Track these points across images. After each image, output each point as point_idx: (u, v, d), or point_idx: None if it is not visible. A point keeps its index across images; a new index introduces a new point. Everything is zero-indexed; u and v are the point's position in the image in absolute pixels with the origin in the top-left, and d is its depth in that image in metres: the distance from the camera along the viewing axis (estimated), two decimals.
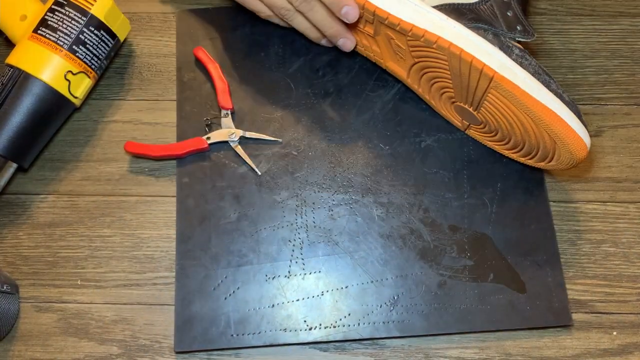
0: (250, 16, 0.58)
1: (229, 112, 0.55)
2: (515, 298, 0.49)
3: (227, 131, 0.54)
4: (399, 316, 0.49)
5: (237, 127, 0.54)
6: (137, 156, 0.54)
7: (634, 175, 0.53)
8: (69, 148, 0.55)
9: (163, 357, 0.49)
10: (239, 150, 0.54)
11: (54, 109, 0.52)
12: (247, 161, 0.53)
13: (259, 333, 0.48)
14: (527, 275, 0.50)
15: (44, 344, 0.49)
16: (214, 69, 0.56)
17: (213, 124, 0.55)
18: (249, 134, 0.54)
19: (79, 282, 0.51)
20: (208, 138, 0.54)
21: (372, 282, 0.50)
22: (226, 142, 0.54)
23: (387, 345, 0.49)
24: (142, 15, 0.59)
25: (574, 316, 0.49)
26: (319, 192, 0.52)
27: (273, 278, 0.50)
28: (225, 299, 0.49)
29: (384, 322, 0.49)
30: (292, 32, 0.57)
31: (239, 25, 0.59)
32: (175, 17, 0.59)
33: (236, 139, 0.54)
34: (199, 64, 0.57)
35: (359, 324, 0.49)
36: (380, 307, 0.49)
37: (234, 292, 0.50)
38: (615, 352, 0.48)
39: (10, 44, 0.54)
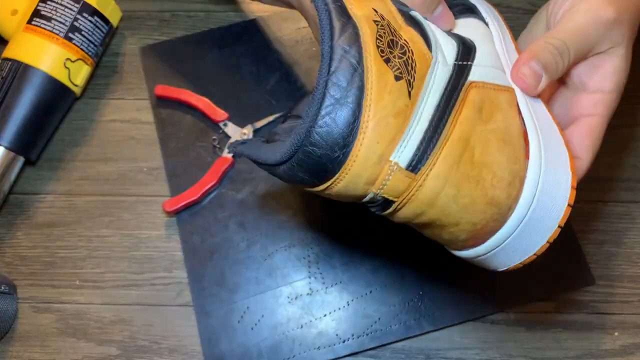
0: (217, 40, 0.57)
1: (226, 121, 0.54)
2: (536, 270, 0.48)
3: (238, 134, 0.53)
4: (429, 310, 0.48)
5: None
6: (179, 208, 0.51)
7: (635, 175, 0.53)
8: (67, 148, 0.55)
9: (162, 357, 0.48)
10: None
11: (56, 99, 0.53)
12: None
13: (294, 357, 0.47)
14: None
15: (42, 344, 0.49)
16: (186, 94, 0.54)
17: (220, 139, 0.53)
18: (258, 124, 0.53)
19: (77, 283, 0.51)
20: (229, 153, 0.52)
21: (394, 281, 0.49)
22: None
23: (388, 346, 0.48)
24: (139, 13, 0.59)
25: (575, 317, 0.49)
26: (323, 203, 0.51)
27: (295, 298, 0.49)
28: (252, 329, 0.48)
29: (415, 319, 0.48)
30: (262, 48, 0.56)
31: (206, 51, 0.57)
32: (139, 54, 0.57)
33: (251, 135, 0.53)
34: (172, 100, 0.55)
35: (390, 327, 0.48)
36: (408, 304, 0.49)
37: (259, 320, 0.48)
38: (616, 353, 0.48)
39: (2, 41, 0.54)
